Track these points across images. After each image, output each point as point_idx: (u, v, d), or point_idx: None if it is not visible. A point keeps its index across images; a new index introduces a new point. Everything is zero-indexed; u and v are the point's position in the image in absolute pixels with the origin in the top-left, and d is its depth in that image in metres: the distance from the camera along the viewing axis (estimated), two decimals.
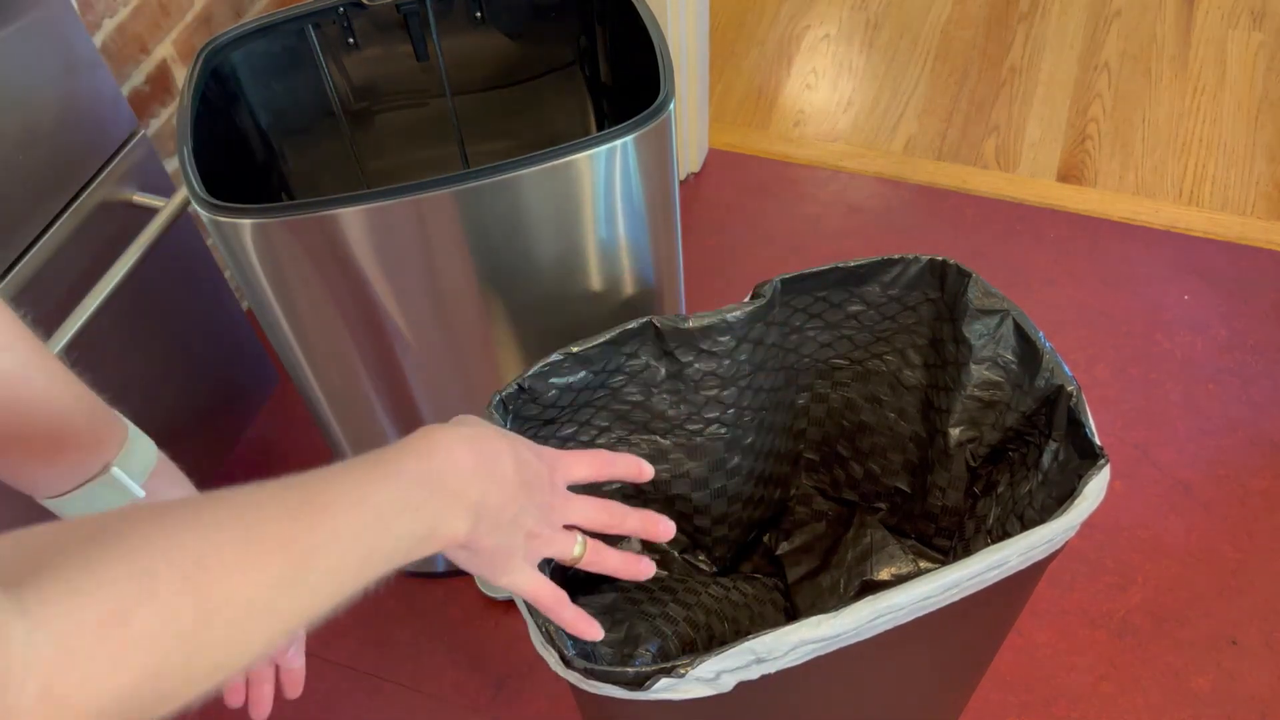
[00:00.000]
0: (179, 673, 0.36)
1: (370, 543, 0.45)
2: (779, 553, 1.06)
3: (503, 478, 0.54)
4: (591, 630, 0.65)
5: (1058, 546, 0.73)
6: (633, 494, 0.97)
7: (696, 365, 0.87)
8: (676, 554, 1.02)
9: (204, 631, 0.36)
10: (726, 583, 1.00)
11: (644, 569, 0.66)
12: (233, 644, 0.38)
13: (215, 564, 0.37)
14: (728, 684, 0.67)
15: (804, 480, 1.07)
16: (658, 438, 0.92)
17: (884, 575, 1.01)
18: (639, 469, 0.67)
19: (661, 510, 0.98)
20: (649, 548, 1.02)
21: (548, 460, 0.60)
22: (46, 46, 1.00)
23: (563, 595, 0.62)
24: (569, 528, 0.61)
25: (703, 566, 1.03)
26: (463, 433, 0.53)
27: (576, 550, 0.62)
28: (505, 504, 0.54)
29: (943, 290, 0.88)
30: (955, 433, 0.90)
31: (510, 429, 0.79)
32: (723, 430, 0.91)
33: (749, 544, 1.05)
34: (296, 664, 0.68)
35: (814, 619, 0.66)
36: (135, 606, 0.34)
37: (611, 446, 0.92)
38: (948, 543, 0.99)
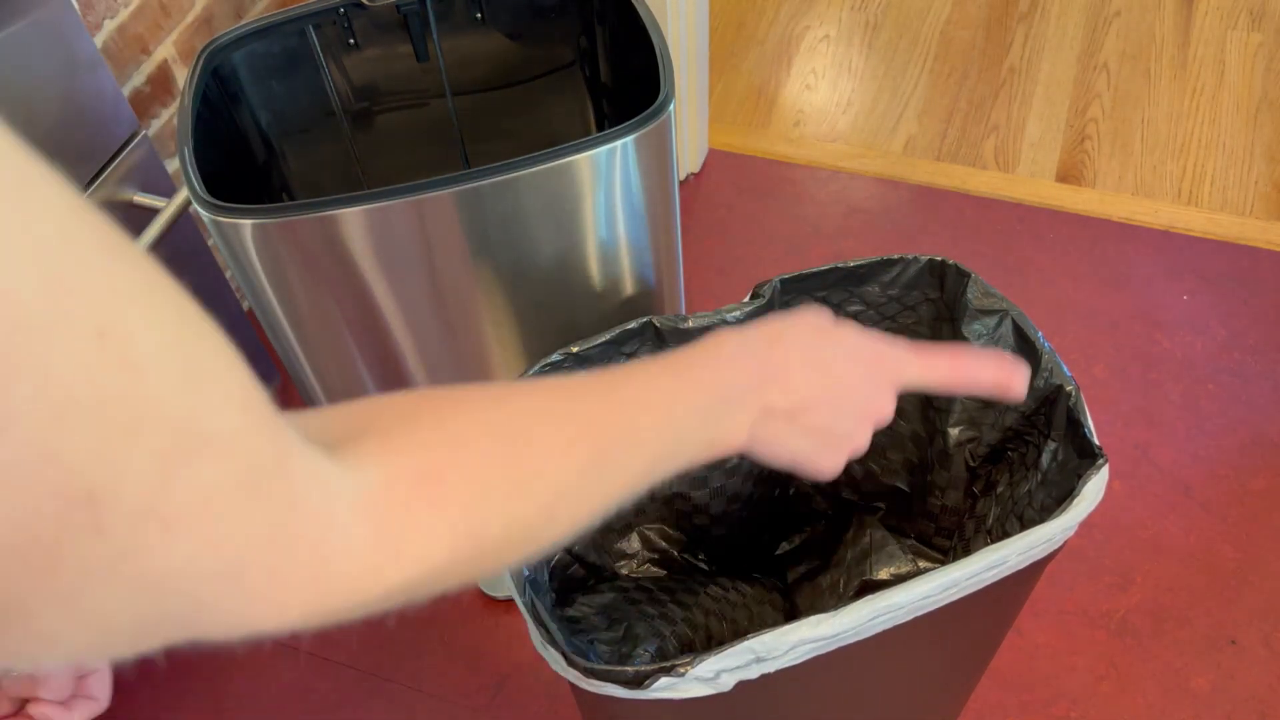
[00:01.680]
0: (498, 534, 0.36)
1: (663, 441, 0.46)
2: (778, 553, 1.06)
3: (795, 386, 0.51)
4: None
5: (1057, 546, 0.73)
6: None
7: None
8: (676, 553, 1.02)
9: (519, 500, 0.37)
10: (725, 583, 1.00)
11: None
12: (544, 518, 0.39)
13: (528, 442, 0.38)
14: (727, 683, 0.67)
15: (803, 480, 1.08)
16: None
17: (883, 575, 1.01)
18: (1010, 380, 0.56)
19: (661, 510, 0.99)
20: (648, 547, 1.02)
21: (880, 359, 0.55)
22: (47, 47, 1.00)
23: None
24: None
25: (702, 566, 1.03)
26: (750, 346, 0.51)
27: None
28: (796, 412, 0.51)
29: (942, 290, 0.88)
30: (954, 432, 0.90)
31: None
32: None
33: (749, 544, 1.06)
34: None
35: (814, 618, 0.66)
36: (449, 468, 0.35)
37: None
38: (947, 542, 0.99)
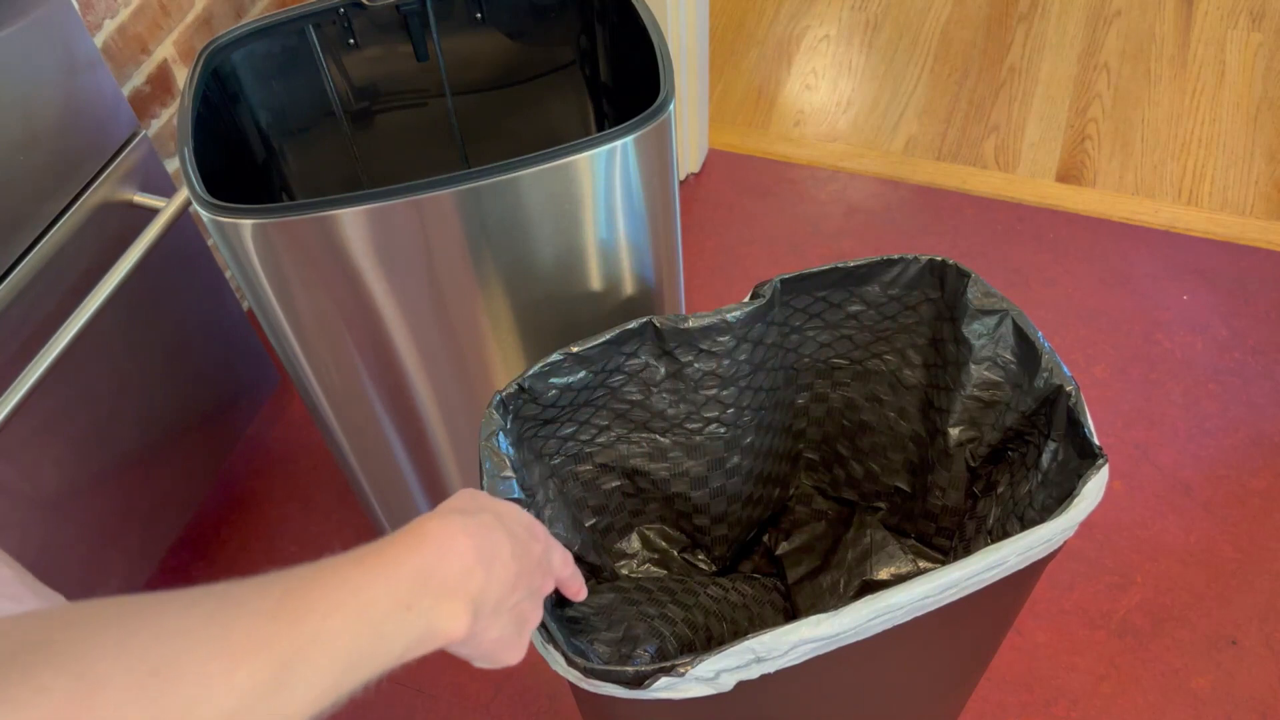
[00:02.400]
0: None
1: (359, 646, 0.41)
2: (779, 552, 1.06)
3: (503, 568, 0.51)
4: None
5: (1057, 546, 0.73)
6: (632, 493, 0.97)
7: (696, 365, 0.87)
8: (676, 553, 1.02)
9: None
10: (725, 583, 1.00)
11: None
12: None
13: (177, 671, 0.34)
14: (727, 683, 0.67)
15: (804, 479, 1.08)
16: (657, 436, 0.92)
17: (884, 575, 1.01)
18: (580, 591, 0.67)
19: (661, 509, 0.99)
20: (648, 548, 1.02)
21: (541, 538, 0.58)
22: (47, 47, 1.00)
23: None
24: None
25: (702, 566, 1.03)
26: (459, 522, 0.49)
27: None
28: (506, 594, 0.51)
29: (942, 290, 0.88)
30: (955, 432, 0.90)
31: (510, 428, 0.79)
32: (722, 430, 0.91)
33: (749, 543, 1.05)
34: None
35: (814, 618, 0.66)
36: (76, 717, 0.31)
37: (611, 445, 0.92)
38: (948, 543, 0.99)
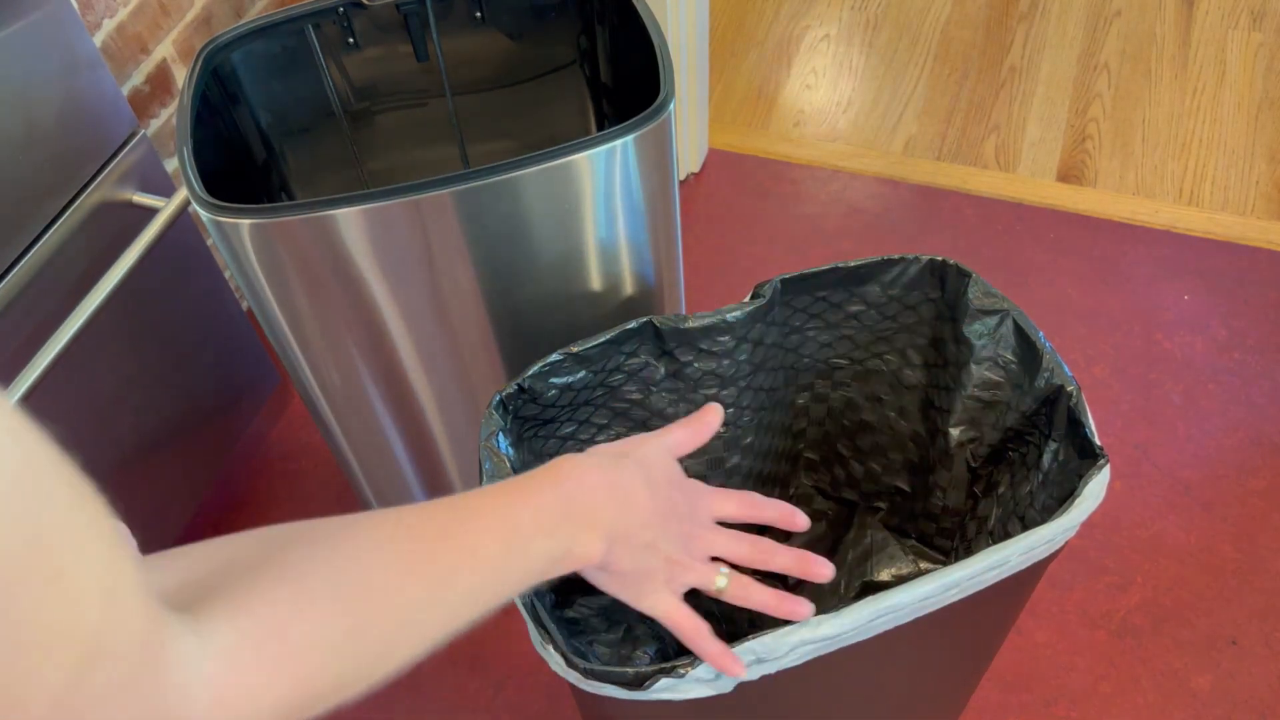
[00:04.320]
0: (331, 681, 0.38)
1: (508, 563, 0.47)
2: None
3: (636, 503, 0.55)
4: (735, 666, 0.62)
5: (1058, 546, 0.73)
6: None
7: (696, 365, 0.87)
8: None
9: (354, 644, 0.39)
10: None
11: (801, 610, 0.63)
12: (381, 655, 0.41)
13: (366, 584, 0.40)
14: (727, 684, 0.67)
15: (804, 480, 1.07)
16: None
17: (884, 576, 1.01)
18: (792, 517, 0.65)
19: None
20: None
21: (689, 493, 0.60)
22: (47, 46, 1.00)
23: (704, 626, 0.61)
24: (716, 560, 0.61)
25: None
26: (595, 460, 0.55)
27: (720, 582, 0.61)
28: (640, 528, 0.55)
29: (943, 290, 0.88)
30: (955, 433, 0.90)
31: (510, 428, 0.79)
32: (722, 429, 0.91)
33: None
34: None
35: (814, 619, 0.66)
36: (291, 622, 0.37)
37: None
38: (949, 543, 0.99)
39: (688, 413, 0.90)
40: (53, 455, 0.27)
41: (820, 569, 0.64)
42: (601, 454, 0.57)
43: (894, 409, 0.97)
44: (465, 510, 0.47)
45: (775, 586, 1.01)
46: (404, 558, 0.43)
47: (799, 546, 1.06)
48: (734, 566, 0.62)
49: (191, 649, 0.33)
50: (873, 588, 1.00)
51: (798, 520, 0.65)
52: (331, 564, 0.40)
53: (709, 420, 0.64)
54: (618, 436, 0.92)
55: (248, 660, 0.35)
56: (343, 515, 0.44)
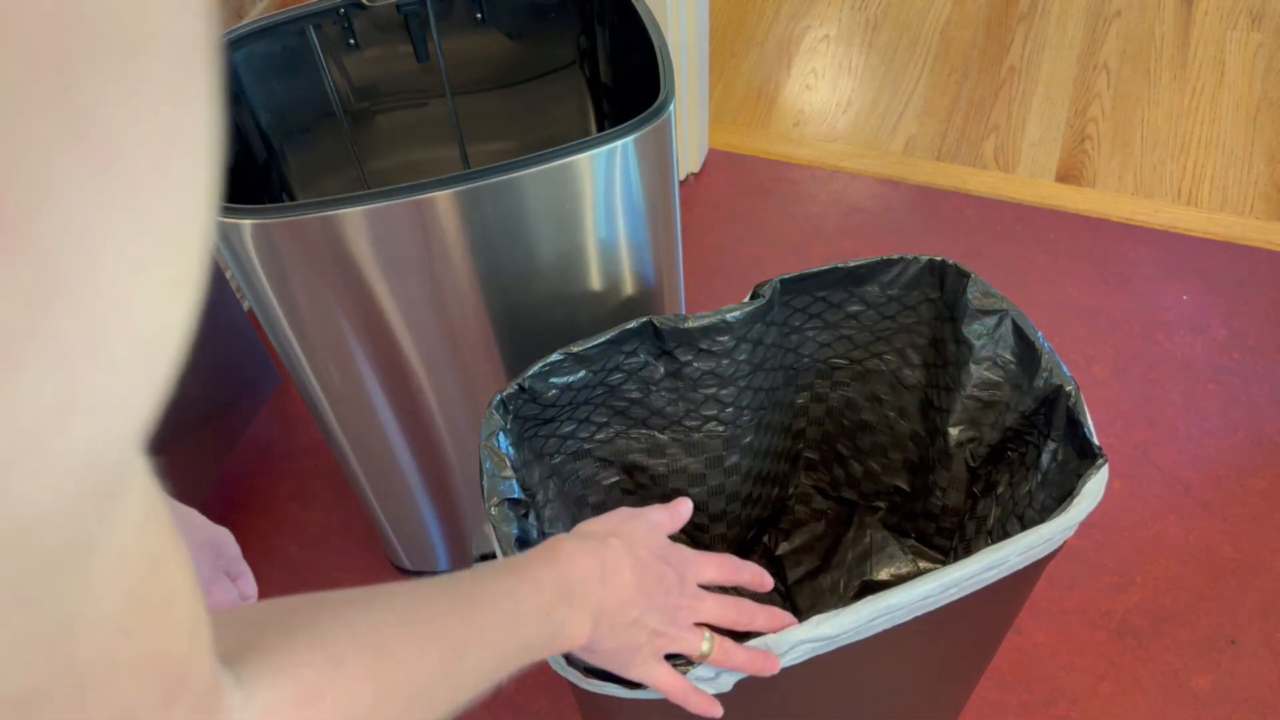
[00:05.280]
0: None
1: (509, 642, 0.50)
2: (779, 553, 1.06)
3: (623, 583, 0.58)
4: (714, 709, 0.66)
5: (1056, 546, 0.73)
6: (631, 489, 0.97)
7: (695, 364, 0.87)
8: None
9: (379, 710, 0.41)
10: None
11: (771, 666, 0.67)
12: None
13: (389, 654, 0.42)
14: (727, 683, 0.67)
15: (803, 479, 1.08)
16: (655, 433, 0.92)
17: (884, 575, 1.01)
18: (762, 579, 0.69)
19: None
20: None
21: (676, 563, 0.62)
22: None
23: (688, 686, 0.64)
24: (700, 624, 0.64)
25: None
26: (585, 543, 0.57)
27: (704, 647, 0.64)
28: (626, 606, 0.58)
29: (942, 290, 0.88)
30: (955, 432, 0.90)
31: (510, 428, 0.79)
32: (720, 428, 0.91)
33: (748, 543, 1.05)
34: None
35: (814, 619, 0.66)
36: (326, 687, 0.38)
37: (609, 440, 0.92)
38: (948, 543, 0.99)
39: (687, 412, 0.91)
40: (157, 485, 0.27)
41: (788, 622, 0.68)
42: (590, 535, 0.59)
43: (893, 409, 0.97)
44: (474, 588, 0.50)
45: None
46: (420, 632, 0.45)
47: (798, 545, 1.06)
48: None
49: (239, 701, 0.34)
50: (872, 587, 1.00)
51: (766, 581, 0.69)
52: (357, 633, 0.42)
53: (681, 512, 0.68)
54: (617, 434, 0.92)
55: (287, 718, 0.37)
56: (365, 587, 0.46)
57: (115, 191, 0.18)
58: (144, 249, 0.19)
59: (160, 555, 0.27)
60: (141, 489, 0.25)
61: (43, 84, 0.16)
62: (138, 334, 0.20)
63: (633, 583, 0.58)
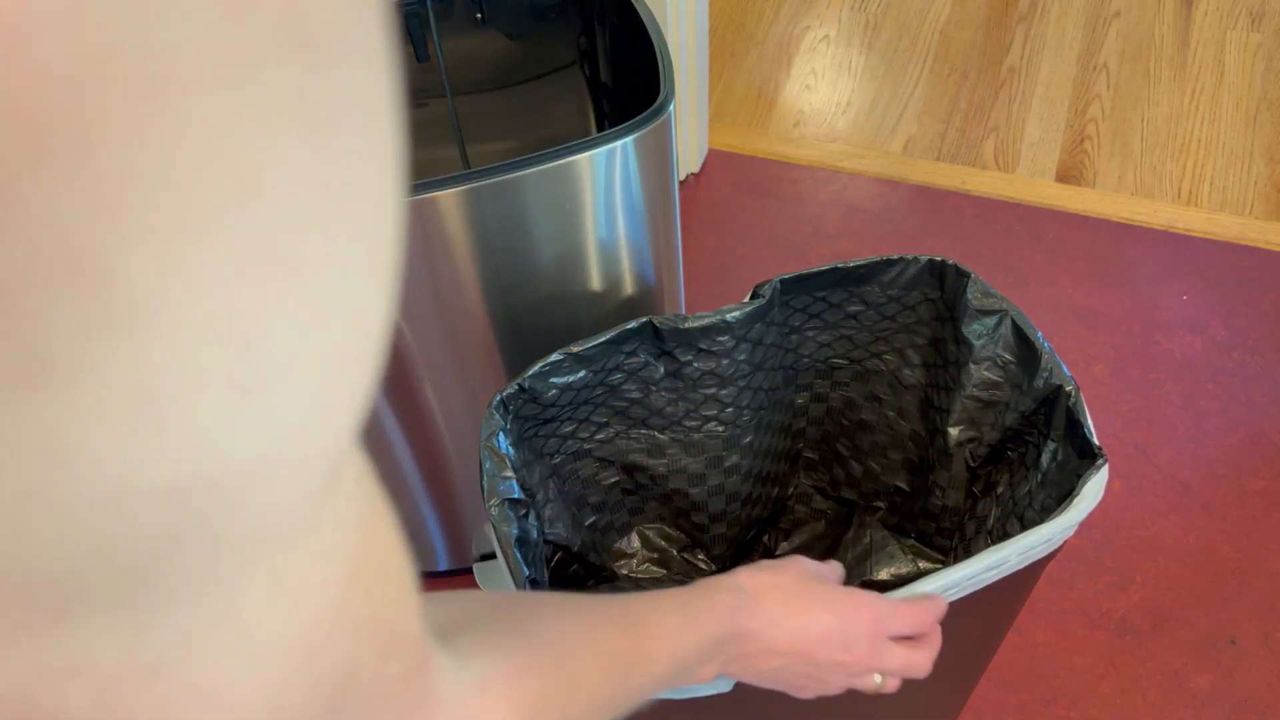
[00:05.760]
0: None
1: (665, 669, 0.52)
2: (778, 553, 1.06)
3: (790, 679, 0.61)
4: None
5: (1056, 546, 0.73)
6: (631, 489, 0.97)
7: (695, 364, 0.87)
8: (676, 552, 1.02)
9: (562, 707, 0.43)
10: None
11: (941, 607, 0.68)
12: None
13: (575, 658, 0.45)
14: (726, 683, 0.67)
15: (803, 479, 1.08)
16: (655, 433, 0.92)
17: (884, 575, 1.01)
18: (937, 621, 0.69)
19: (659, 506, 0.99)
20: (647, 547, 1.02)
21: (868, 631, 0.62)
22: None
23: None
24: None
25: (702, 565, 1.03)
26: (751, 586, 0.59)
27: (875, 682, 0.65)
28: (802, 677, 0.61)
29: (942, 290, 0.88)
30: (955, 432, 0.90)
31: (510, 428, 0.79)
32: (720, 428, 0.91)
33: (748, 543, 1.06)
34: None
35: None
36: (525, 675, 0.40)
37: (609, 440, 0.92)
38: (948, 543, 0.99)
39: (687, 412, 0.91)
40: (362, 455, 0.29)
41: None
42: (777, 649, 0.60)
43: (893, 409, 0.97)
44: (649, 613, 0.52)
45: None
46: (603, 647, 0.48)
47: (798, 545, 1.06)
48: None
49: (450, 668, 0.36)
50: (872, 587, 1.00)
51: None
52: (549, 633, 0.44)
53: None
54: (617, 434, 0.92)
55: (497, 694, 0.38)
56: (542, 593, 0.49)
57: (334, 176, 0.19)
58: (359, 251, 0.21)
59: (372, 521, 0.28)
60: (355, 462, 0.27)
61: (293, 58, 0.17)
62: (366, 322, 0.22)
63: (828, 662, 0.60)
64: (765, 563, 0.62)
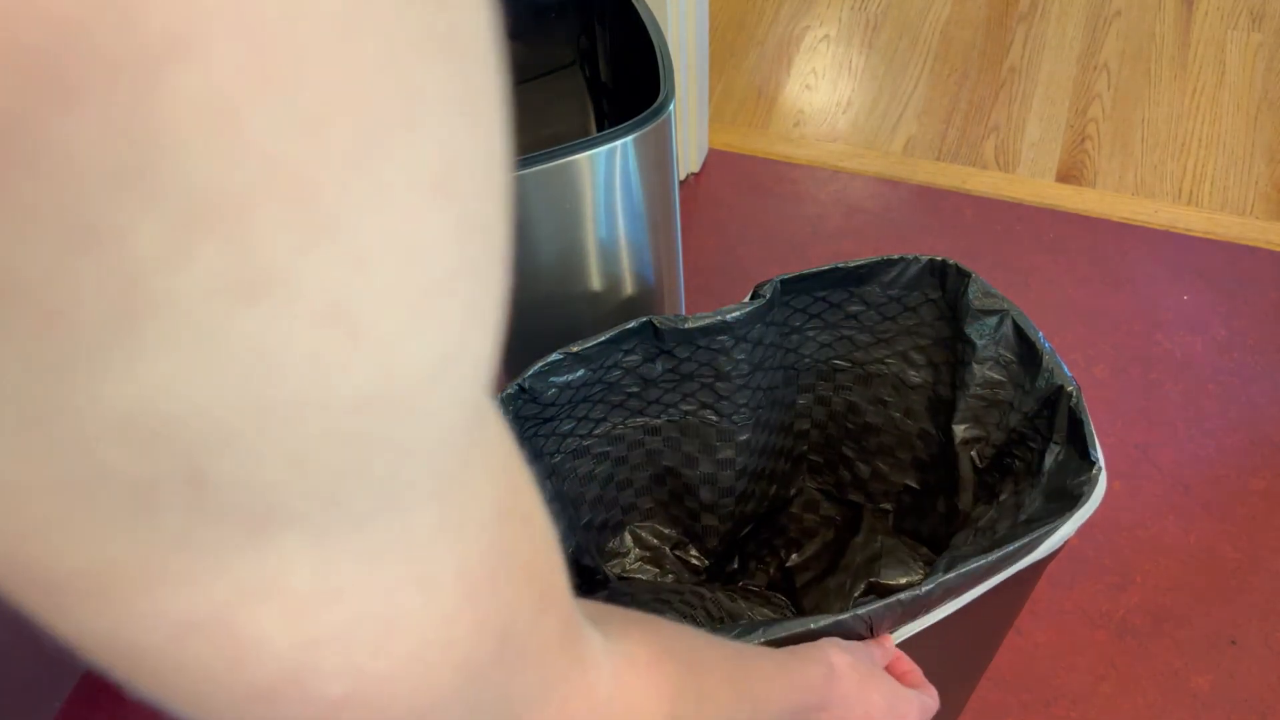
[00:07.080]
0: None
1: (766, 712, 0.53)
2: (789, 565, 1.05)
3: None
4: None
5: (1057, 547, 0.73)
6: (626, 480, 0.97)
7: (694, 363, 0.87)
8: (668, 550, 1.02)
9: (695, 702, 0.43)
10: (725, 595, 1.00)
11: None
12: None
13: (702, 661, 0.46)
14: None
15: (808, 483, 1.07)
16: (650, 419, 0.92)
17: (893, 580, 1.01)
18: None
19: (650, 486, 0.99)
20: (640, 545, 1.02)
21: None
22: None
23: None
24: None
25: (695, 562, 1.03)
26: (849, 673, 0.62)
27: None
28: None
29: (943, 290, 0.88)
30: (960, 430, 0.90)
31: (510, 428, 0.79)
32: (714, 417, 0.91)
33: (744, 539, 1.05)
34: None
35: (813, 618, 0.66)
36: (666, 657, 0.41)
37: (605, 434, 0.92)
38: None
39: (683, 397, 0.91)
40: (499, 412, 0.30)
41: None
42: (872, 682, 0.64)
43: (899, 409, 0.97)
44: (758, 659, 0.55)
45: (776, 595, 1.00)
46: (722, 661, 0.48)
47: (811, 553, 1.06)
48: None
49: (598, 638, 0.36)
50: (880, 590, 1.00)
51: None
52: (681, 635, 0.46)
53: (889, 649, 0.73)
54: (614, 429, 0.92)
55: (644, 671, 0.39)
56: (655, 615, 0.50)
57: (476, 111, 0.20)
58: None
59: (515, 473, 0.29)
60: (494, 415, 0.28)
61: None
62: (499, 248, 0.23)
63: None
64: (843, 643, 0.66)
